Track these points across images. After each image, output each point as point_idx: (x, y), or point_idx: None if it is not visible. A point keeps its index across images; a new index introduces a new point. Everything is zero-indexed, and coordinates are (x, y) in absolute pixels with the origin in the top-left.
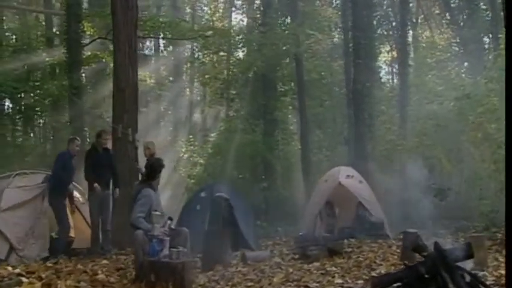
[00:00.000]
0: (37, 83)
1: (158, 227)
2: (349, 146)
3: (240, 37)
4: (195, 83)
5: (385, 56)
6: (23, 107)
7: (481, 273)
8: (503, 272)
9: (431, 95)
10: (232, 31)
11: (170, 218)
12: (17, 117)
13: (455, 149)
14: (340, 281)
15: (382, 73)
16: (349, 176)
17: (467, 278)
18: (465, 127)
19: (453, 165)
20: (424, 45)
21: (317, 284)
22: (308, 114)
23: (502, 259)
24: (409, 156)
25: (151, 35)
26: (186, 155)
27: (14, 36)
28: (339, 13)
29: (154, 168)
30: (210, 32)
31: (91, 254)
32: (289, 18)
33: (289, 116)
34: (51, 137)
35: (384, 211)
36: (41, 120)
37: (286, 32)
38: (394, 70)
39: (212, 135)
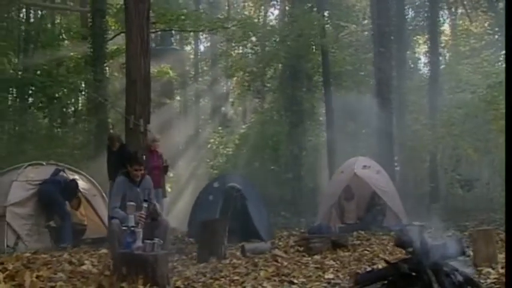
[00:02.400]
0: (62, 77)
1: (132, 218)
2: (376, 136)
3: (268, 29)
4: (224, 76)
5: (424, 47)
6: (54, 100)
7: (485, 270)
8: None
9: (463, 83)
10: (257, 22)
11: (146, 200)
12: (47, 110)
13: (483, 139)
14: (331, 276)
15: (420, 63)
16: (365, 167)
17: (458, 277)
18: (496, 116)
19: (482, 155)
20: (458, 33)
21: (304, 280)
22: (340, 105)
23: None
24: (435, 147)
25: (170, 28)
26: (214, 147)
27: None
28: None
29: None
30: (228, 24)
31: (101, 243)
32: (316, 9)
33: (321, 107)
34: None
35: (404, 202)
36: (69, 111)
37: (315, 23)
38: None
39: (243, 126)
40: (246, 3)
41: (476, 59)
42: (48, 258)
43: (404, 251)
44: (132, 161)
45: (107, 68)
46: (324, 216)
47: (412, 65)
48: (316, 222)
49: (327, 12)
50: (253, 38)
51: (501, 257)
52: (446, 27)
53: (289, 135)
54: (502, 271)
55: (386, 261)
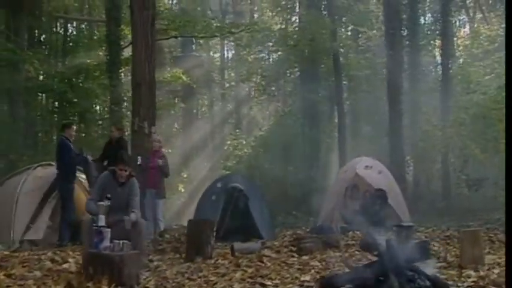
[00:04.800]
0: (80, 83)
1: (102, 218)
2: (388, 137)
3: (282, 34)
4: (240, 81)
5: (439, 50)
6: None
7: (467, 273)
8: (495, 271)
9: (474, 84)
10: (274, 28)
11: (108, 198)
12: (69, 115)
13: (492, 138)
14: (307, 278)
15: (435, 66)
16: (367, 167)
17: (426, 281)
18: (503, 117)
19: (491, 155)
20: (472, 36)
21: (278, 282)
22: (353, 107)
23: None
24: (443, 147)
25: (182, 35)
26: (231, 148)
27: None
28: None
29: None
30: (236, 29)
31: None
32: (327, 14)
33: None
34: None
35: (412, 202)
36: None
37: (327, 27)
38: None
39: (259, 129)
40: (270, 11)
41: (488, 60)
42: (29, 256)
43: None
44: (118, 160)
45: (122, 74)
46: (327, 216)
47: (426, 68)
48: (318, 222)
49: (345, 18)
50: (270, 43)
51: (490, 258)
52: (460, 30)
53: (304, 137)
54: (484, 274)
55: (346, 265)
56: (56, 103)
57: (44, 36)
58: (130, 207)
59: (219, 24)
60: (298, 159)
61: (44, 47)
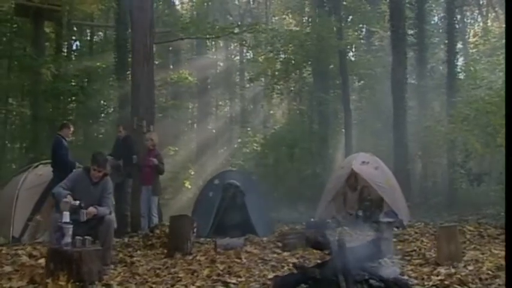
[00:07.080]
0: (87, 85)
1: (67, 215)
2: (393, 133)
3: (291, 34)
4: (249, 80)
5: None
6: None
7: (437, 270)
8: (470, 268)
9: (479, 80)
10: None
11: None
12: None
13: (495, 133)
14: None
15: (442, 63)
16: (364, 163)
17: (379, 283)
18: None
19: (492, 149)
20: (480, 33)
21: (243, 279)
22: (364, 105)
23: (496, 251)
24: (445, 142)
25: (188, 37)
26: (241, 146)
27: None
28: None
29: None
30: (237, 30)
31: None
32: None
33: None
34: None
35: (414, 197)
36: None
37: (335, 28)
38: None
39: (268, 126)
40: (283, 13)
41: (494, 56)
42: (4, 251)
43: None
44: (92, 161)
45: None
46: (322, 212)
47: (437, 65)
48: (315, 218)
49: (357, 18)
50: (278, 44)
51: (472, 254)
52: (467, 27)
53: (313, 134)
54: (454, 271)
55: (294, 265)
56: (72, 104)
57: (70, 42)
58: (102, 204)
59: (235, 28)
60: (305, 156)
61: (73, 52)
